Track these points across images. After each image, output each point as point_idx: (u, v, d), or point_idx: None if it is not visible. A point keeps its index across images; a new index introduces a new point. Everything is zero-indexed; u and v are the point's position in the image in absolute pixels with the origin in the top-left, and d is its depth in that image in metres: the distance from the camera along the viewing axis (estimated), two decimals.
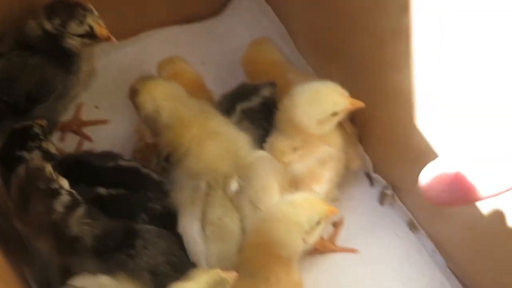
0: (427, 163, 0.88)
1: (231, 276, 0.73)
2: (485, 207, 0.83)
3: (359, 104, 0.93)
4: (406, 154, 0.96)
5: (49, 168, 0.79)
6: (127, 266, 0.79)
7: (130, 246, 0.80)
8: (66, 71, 0.94)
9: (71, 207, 0.79)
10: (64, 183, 0.80)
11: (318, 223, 0.83)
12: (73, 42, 0.92)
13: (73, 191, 0.80)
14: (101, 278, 0.78)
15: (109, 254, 0.80)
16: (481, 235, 0.87)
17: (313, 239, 0.85)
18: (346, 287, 0.98)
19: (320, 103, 0.93)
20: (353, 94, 0.93)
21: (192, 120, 0.91)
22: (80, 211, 0.79)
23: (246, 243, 0.86)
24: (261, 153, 0.93)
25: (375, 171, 1.07)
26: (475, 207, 0.84)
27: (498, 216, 0.81)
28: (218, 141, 0.91)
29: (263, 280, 0.81)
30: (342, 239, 1.03)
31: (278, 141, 0.96)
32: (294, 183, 0.94)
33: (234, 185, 0.90)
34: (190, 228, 0.88)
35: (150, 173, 0.92)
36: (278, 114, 0.98)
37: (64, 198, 0.78)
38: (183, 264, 0.83)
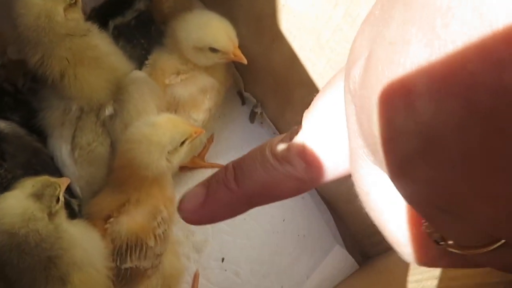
0: (292, 81, 0.91)
1: (62, 181, 0.73)
2: None
3: (242, 59, 0.91)
4: (274, 74, 0.99)
5: None
6: None
7: None
8: None
9: None
10: None
11: (182, 143, 0.83)
12: None
13: None
14: None
15: None
16: None
17: (178, 159, 0.84)
18: None
19: (202, 30, 0.89)
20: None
21: (68, 41, 0.82)
22: None
23: (114, 165, 0.84)
24: (137, 74, 0.89)
25: (246, 90, 1.09)
26: None
27: None
28: (96, 66, 0.85)
29: (133, 198, 0.81)
30: (212, 156, 1.05)
31: (161, 59, 0.93)
32: (173, 107, 0.92)
33: (108, 110, 0.87)
34: (59, 151, 0.85)
35: (1, 84, 0.85)
36: (167, 29, 0.93)
37: None
38: None
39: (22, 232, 0.64)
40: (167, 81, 0.93)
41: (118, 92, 0.87)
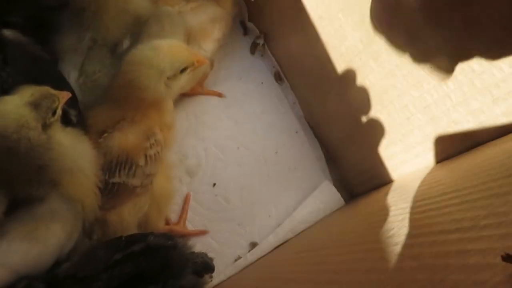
0: (301, 13, 0.91)
1: (62, 94, 0.74)
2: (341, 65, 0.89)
3: None
4: (280, 5, 0.98)
5: None
6: None
7: None
8: None
9: None
10: None
11: (183, 71, 0.83)
12: None
13: None
14: None
15: None
16: (334, 92, 0.95)
17: (177, 86, 0.85)
18: (209, 125, 1.04)
19: None
20: None
21: None
22: None
23: (114, 83, 0.85)
24: (164, 9, 0.90)
25: (250, 20, 1.08)
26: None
27: (352, 76, 0.88)
28: (119, 9, 0.87)
29: (128, 117, 0.83)
30: (210, 83, 1.06)
31: None
32: (184, 37, 0.92)
33: (125, 43, 0.88)
34: (68, 75, 0.87)
35: None
36: None
37: None
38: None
39: (14, 137, 0.66)
40: (176, 8, 0.92)
41: (138, 24, 0.88)
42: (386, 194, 0.80)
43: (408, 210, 0.60)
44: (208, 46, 0.96)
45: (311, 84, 1.02)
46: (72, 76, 0.88)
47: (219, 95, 1.05)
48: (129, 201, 0.83)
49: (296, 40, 1.00)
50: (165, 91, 0.83)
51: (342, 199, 1.01)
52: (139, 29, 0.88)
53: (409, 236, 0.49)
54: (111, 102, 0.84)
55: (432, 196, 0.59)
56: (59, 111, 0.72)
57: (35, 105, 0.69)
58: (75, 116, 0.80)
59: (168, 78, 0.82)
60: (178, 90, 0.87)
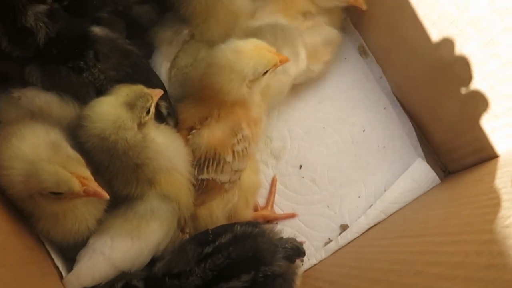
0: None
1: (155, 92, 0.74)
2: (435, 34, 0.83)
3: (362, 5, 0.93)
4: None
5: None
6: (71, 80, 0.75)
7: (80, 56, 0.76)
8: None
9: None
10: None
11: (265, 73, 0.81)
12: None
13: None
14: (46, 94, 0.75)
15: (58, 63, 0.75)
16: (427, 63, 0.88)
17: (259, 87, 0.83)
18: (292, 106, 1.01)
19: None
20: None
21: None
22: (43, 8, 0.73)
23: (197, 84, 0.84)
24: (279, 24, 0.90)
25: None
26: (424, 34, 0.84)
27: (447, 45, 0.81)
28: (225, 13, 0.88)
29: (215, 113, 0.82)
30: None
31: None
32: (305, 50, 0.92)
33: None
34: (160, 65, 0.89)
35: None
36: None
37: None
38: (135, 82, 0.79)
39: (112, 139, 0.68)
40: (294, 24, 0.92)
41: (246, 32, 0.88)
42: (492, 172, 0.74)
43: None
44: (316, 67, 0.94)
45: (399, 56, 0.96)
46: (163, 67, 0.89)
47: None
48: (218, 197, 0.83)
49: (381, 10, 0.94)
50: (247, 93, 0.81)
51: (437, 178, 0.95)
52: (247, 34, 0.88)
53: None
54: (196, 100, 0.84)
55: None
56: (152, 109, 0.73)
57: (130, 105, 0.70)
58: (166, 108, 0.80)
59: (250, 81, 0.80)
60: (261, 88, 0.85)
